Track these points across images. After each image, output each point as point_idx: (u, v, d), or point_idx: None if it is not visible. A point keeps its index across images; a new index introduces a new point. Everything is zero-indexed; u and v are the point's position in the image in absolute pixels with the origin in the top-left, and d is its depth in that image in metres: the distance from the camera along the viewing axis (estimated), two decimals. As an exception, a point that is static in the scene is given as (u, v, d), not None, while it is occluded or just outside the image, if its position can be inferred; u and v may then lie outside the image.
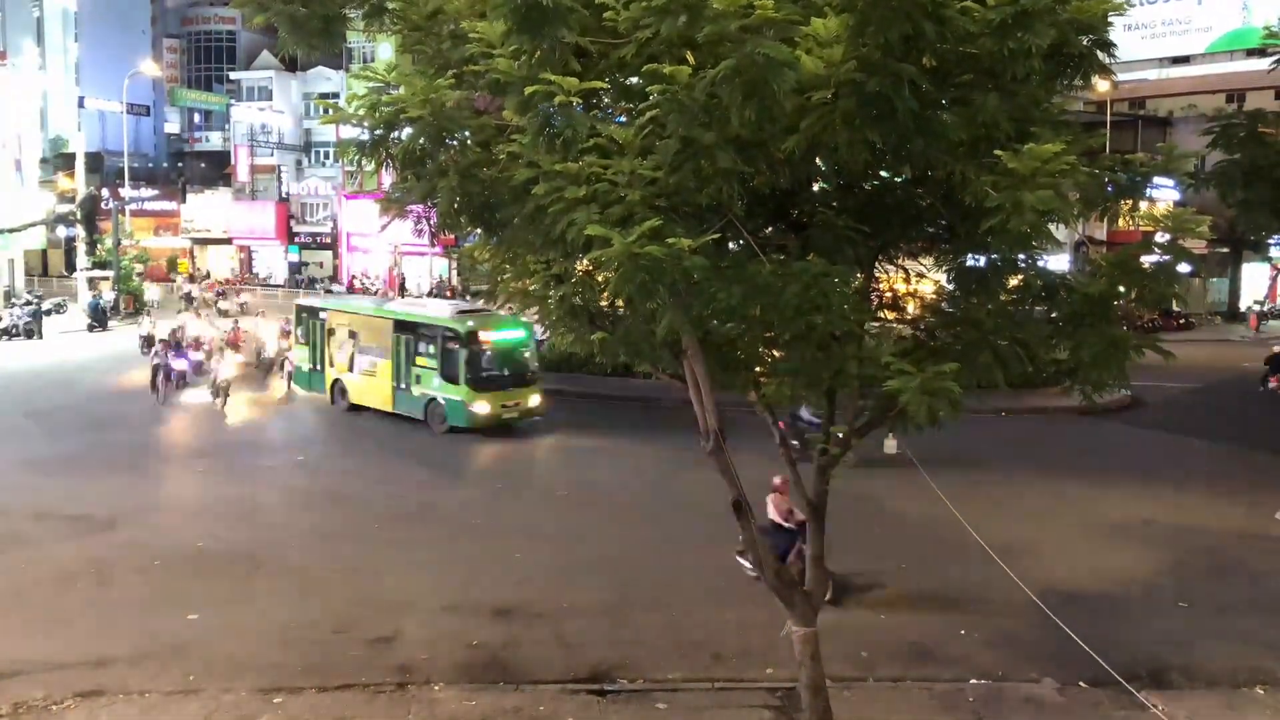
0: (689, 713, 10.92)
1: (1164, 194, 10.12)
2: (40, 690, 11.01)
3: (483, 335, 23.90)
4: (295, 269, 66.99)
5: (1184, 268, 7.80)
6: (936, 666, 12.06)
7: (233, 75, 71.98)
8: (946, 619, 13.36)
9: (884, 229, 7.84)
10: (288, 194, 68.12)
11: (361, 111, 7.33)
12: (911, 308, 8.81)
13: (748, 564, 12.95)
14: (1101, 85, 9.20)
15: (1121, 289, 7.71)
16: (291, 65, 67.56)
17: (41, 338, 39.17)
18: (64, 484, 19.27)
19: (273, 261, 68.36)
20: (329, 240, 67.20)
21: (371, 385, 25.88)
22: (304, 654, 12.09)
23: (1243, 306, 47.58)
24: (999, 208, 6.40)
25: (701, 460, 9.23)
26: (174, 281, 57.72)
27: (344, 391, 26.59)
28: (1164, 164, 7.86)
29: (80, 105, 58.17)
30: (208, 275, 64.95)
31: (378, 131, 7.34)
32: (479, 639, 12.59)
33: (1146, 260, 7.76)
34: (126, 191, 53.79)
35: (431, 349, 24.41)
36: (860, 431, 8.68)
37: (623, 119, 7.43)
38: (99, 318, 42.70)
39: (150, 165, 70.90)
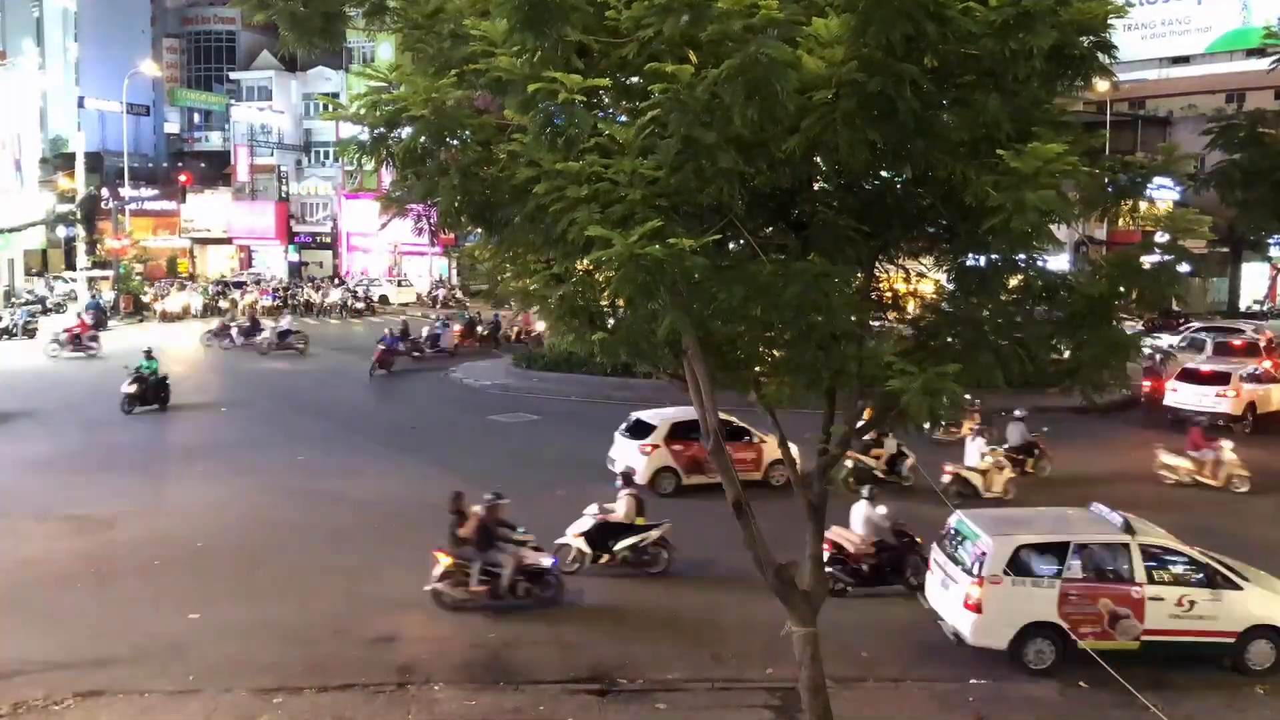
0: (689, 713, 10.92)
1: (1164, 194, 10.14)
2: (40, 690, 11.01)
3: None
4: (295, 269, 67.02)
5: (1184, 268, 7.81)
6: (936, 666, 12.06)
7: (233, 75, 72.03)
8: (946, 619, 13.34)
9: (884, 229, 7.83)
10: (288, 194, 68.15)
11: (362, 110, 7.33)
12: (912, 307, 8.81)
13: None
14: (1102, 85, 9.22)
15: (1122, 289, 7.71)
16: (291, 65, 67.61)
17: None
18: (64, 484, 19.27)
19: (273, 261, 68.40)
20: (329, 240, 67.25)
21: None
22: (304, 654, 12.08)
23: (1242, 306, 47.54)
24: (1000, 207, 6.40)
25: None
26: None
27: None
28: (1164, 165, 7.86)
29: (80, 105, 58.16)
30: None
31: (378, 130, 7.34)
32: (479, 639, 12.59)
33: (1146, 260, 7.77)
34: (126, 191, 53.80)
35: None
36: (860, 431, 8.69)
37: (624, 119, 7.42)
38: (98, 317, 42.72)
39: (150, 165, 70.86)
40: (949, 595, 12.27)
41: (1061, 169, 6.35)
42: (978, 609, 11.69)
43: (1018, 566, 11.86)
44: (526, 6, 6.37)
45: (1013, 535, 12.10)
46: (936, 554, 12.92)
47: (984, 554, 11.85)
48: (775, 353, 8.31)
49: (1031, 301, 7.96)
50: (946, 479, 18.29)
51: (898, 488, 18.55)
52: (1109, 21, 6.70)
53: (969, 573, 11.94)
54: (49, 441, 22.84)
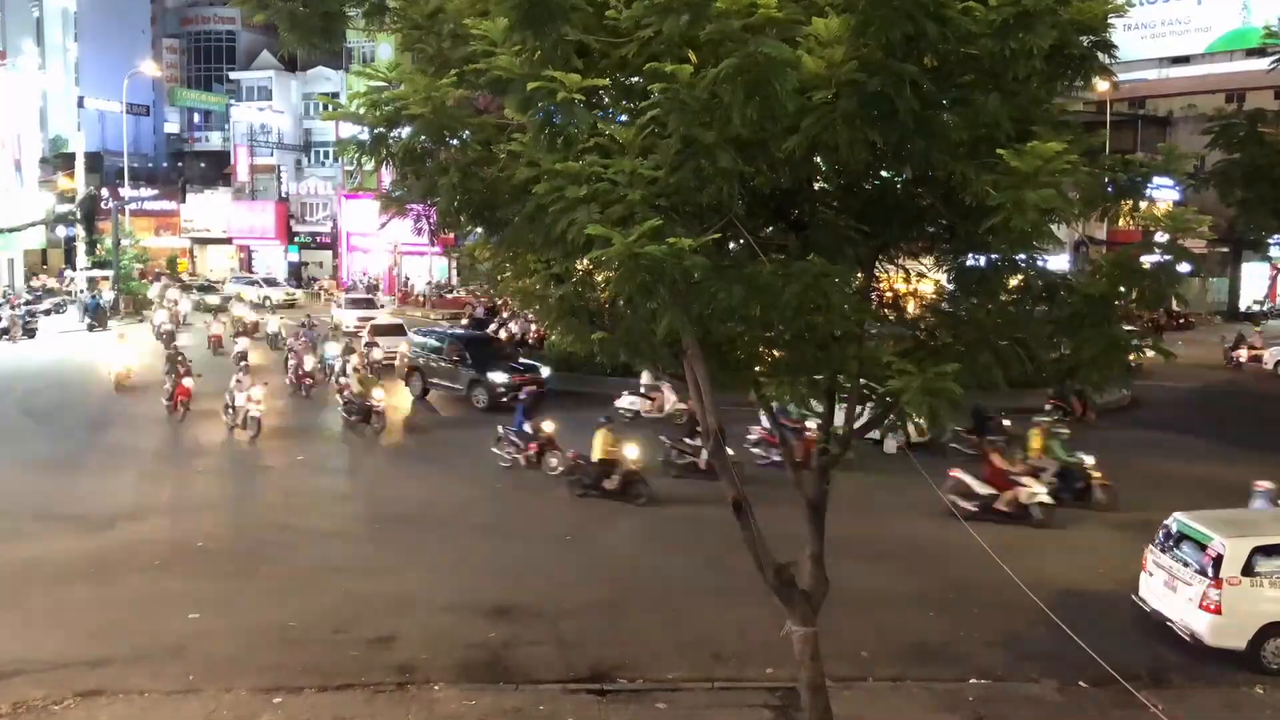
0: (689, 712, 10.91)
1: (1164, 194, 10.17)
2: (40, 690, 11.00)
3: None
4: (295, 269, 67.02)
5: (1184, 267, 7.80)
6: (936, 666, 12.05)
7: (232, 75, 72.08)
8: (946, 619, 13.36)
9: (884, 229, 7.83)
10: (287, 194, 68.17)
11: (362, 110, 7.33)
12: (911, 307, 8.81)
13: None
14: (1102, 85, 9.24)
15: (1121, 289, 7.71)
16: (291, 65, 67.65)
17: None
18: (64, 484, 19.28)
19: (272, 261, 68.41)
20: (329, 240, 67.25)
21: None
22: (304, 654, 12.08)
23: (1242, 306, 47.57)
24: (1000, 207, 6.40)
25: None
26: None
27: None
28: (1164, 164, 7.86)
29: (80, 105, 58.16)
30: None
31: (378, 130, 7.34)
32: (479, 639, 12.59)
33: (1146, 260, 7.76)
34: (126, 191, 53.82)
35: None
36: (860, 431, 8.69)
37: (624, 118, 7.42)
38: (98, 317, 42.76)
39: (150, 165, 70.89)
40: (1179, 596, 12.44)
41: (1061, 168, 6.34)
42: (1217, 610, 11.88)
43: (1252, 568, 12.00)
44: (526, 5, 6.37)
45: (1248, 537, 12.25)
46: (1154, 555, 13.08)
47: (1219, 556, 12.04)
48: (775, 353, 8.30)
49: (1031, 301, 7.95)
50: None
51: None
52: (1109, 21, 6.69)
53: (1203, 574, 12.11)
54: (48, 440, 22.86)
